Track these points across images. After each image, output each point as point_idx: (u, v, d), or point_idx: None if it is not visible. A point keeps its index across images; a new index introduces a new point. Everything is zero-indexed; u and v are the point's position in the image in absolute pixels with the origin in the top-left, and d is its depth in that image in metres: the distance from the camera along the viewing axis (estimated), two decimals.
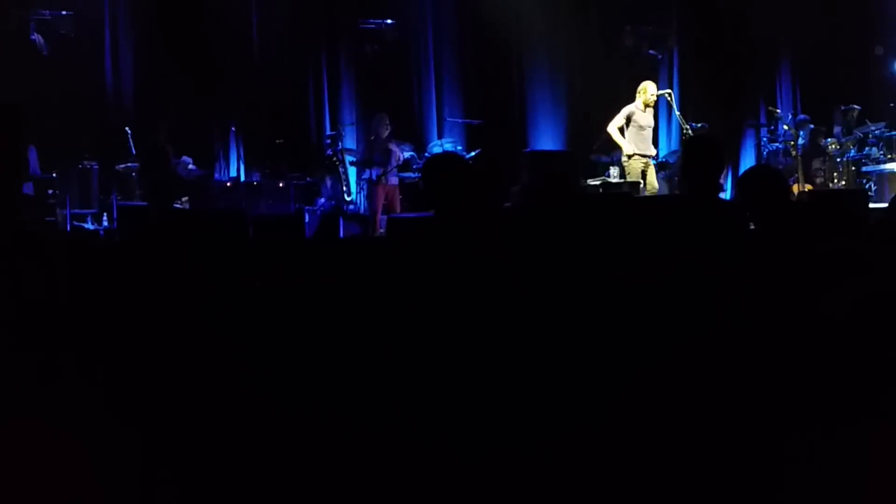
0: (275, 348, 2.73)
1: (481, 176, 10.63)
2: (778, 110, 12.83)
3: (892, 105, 12.48)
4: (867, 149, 11.91)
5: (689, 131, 10.49)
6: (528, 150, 12.66)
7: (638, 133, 10.52)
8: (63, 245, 2.88)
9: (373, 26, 12.85)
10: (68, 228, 10.23)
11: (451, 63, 13.54)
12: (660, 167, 11.29)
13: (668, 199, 8.80)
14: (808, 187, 11.35)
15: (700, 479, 2.29)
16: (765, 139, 12.81)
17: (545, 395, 2.41)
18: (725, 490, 2.28)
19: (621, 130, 10.58)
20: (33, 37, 11.56)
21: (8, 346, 2.46)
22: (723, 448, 2.30)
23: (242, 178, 12.50)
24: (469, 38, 13.46)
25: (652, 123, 10.82)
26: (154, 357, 2.62)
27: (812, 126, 12.41)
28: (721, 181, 6.65)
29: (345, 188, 12.09)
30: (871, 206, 8.22)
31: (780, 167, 11.31)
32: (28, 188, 9.29)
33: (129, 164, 11.02)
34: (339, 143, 12.23)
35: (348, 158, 12.19)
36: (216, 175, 12.43)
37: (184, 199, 10.28)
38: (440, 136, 13.07)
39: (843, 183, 11.67)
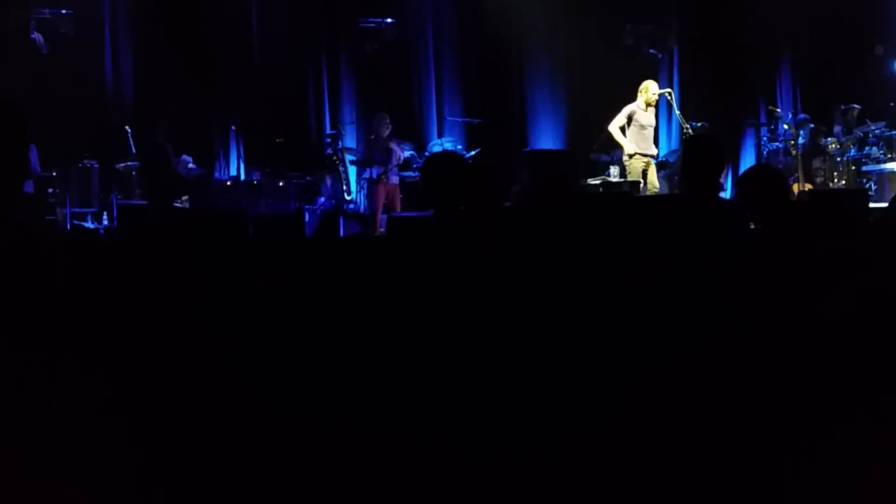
0: (274, 348, 2.72)
1: (481, 175, 10.64)
2: (778, 109, 12.83)
3: (892, 104, 12.48)
4: (867, 148, 11.92)
5: (689, 130, 10.49)
6: (528, 149, 12.66)
7: (639, 132, 10.52)
8: (63, 244, 2.88)
9: (373, 25, 12.84)
10: (68, 227, 10.24)
11: (451, 62, 13.54)
12: (660, 166, 11.29)
13: (668, 199, 8.80)
14: (808, 187, 11.36)
15: (700, 480, 2.29)
16: (765, 138, 12.82)
17: (546, 394, 2.41)
18: (725, 490, 2.28)
19: (622, 130, 10.58)
20: (33, 35, 11.56)
21: (7, 345, 2.46)
22: (722, 448, 2.30)
23: (242, 177, 12.50)
24: (469, 38, 13.46)
25: (653, 123, 10.82)
26: (153, 356, 2.62)
27: (812, 125, 12.42)
28: (721, 181, 6.65)
29: (345, 187, 12.10)
30: (871, 205, 8.23)
31: (781, 166, 11.32)
32: (28, 186, 9.28)
33: (129, 163, 11.02)
34: (340, 143, 12.23)
35: (348, 157, 12.19)
36: (216, 174, 12.43)
37: (184, 198, 10.29)
38: (440, 136, 13.07)
39: (843, 182, 11.68)
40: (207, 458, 2.46)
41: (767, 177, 4.88)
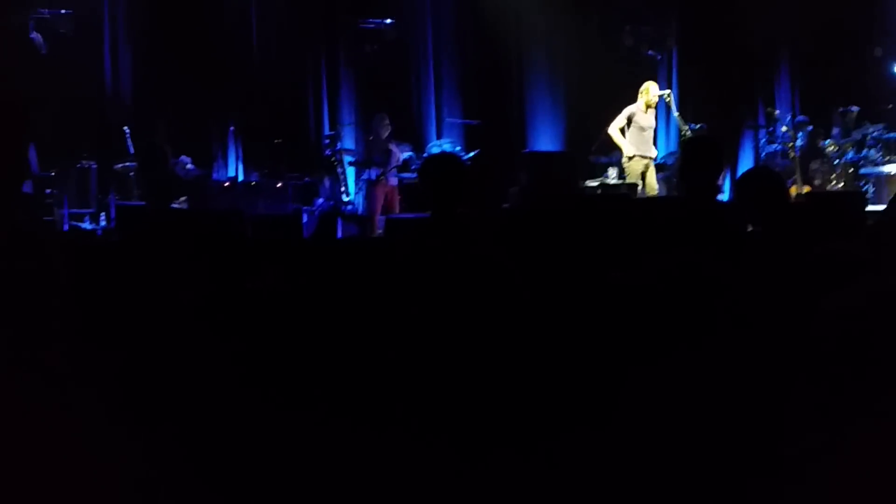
0: (273, 348, 2.72)
1: (480, 177, 10.65)
2: (776, 111, 12.82)
3: (890, 107, 12.48)
4: (865, 150, 11.92)
5: (688, 132, 10.48)
6: (527, 150, 12.65)
7: (639, 134, 10.51)
8: (61, 245, 2.88)
9: (372, 26, 12.83)
10: (66, 228, 10.23)
11: (450, 63, 13.54)
12: (658, 168, 11.29)
13: (667, 201, 8.80)
14: (806, 189, 11.35)
15: (700, 480, 2.29)
16: (763, 140, 12.82)
17: (545, 395, 2.41)
18: (726, 490, 2.28)
19: (622, 131, 10.57)
20: (32, 35, 11.55)
21: (6, 345, 2.46)
22: (722, 448, 2.30)
23: (241, 178, 12.49)
24: (468, 39, 13.45)
25: (653, 124, 10.81)
26: (152, 357, 2.62)
27: (811, 127, 12.41)
28: (719, 183, 6.65)
29: (343, 188, 12.09)
30: (869, 207, 8.22)
31: (779, 168, 11.30)
32: (27, 186, 9.28)
33: (127, 164, 11.01)
34: (338, 144, 12.22)
35: (347, 158, 12.18)
36: (214, 175, 12.42)
37: (182, 198, 10.27)
38: (439, 137, 13.07)
39: (841, 185, 11.68)
40: (207, 458, 2.46)
41: (765, 179, 4.88)
